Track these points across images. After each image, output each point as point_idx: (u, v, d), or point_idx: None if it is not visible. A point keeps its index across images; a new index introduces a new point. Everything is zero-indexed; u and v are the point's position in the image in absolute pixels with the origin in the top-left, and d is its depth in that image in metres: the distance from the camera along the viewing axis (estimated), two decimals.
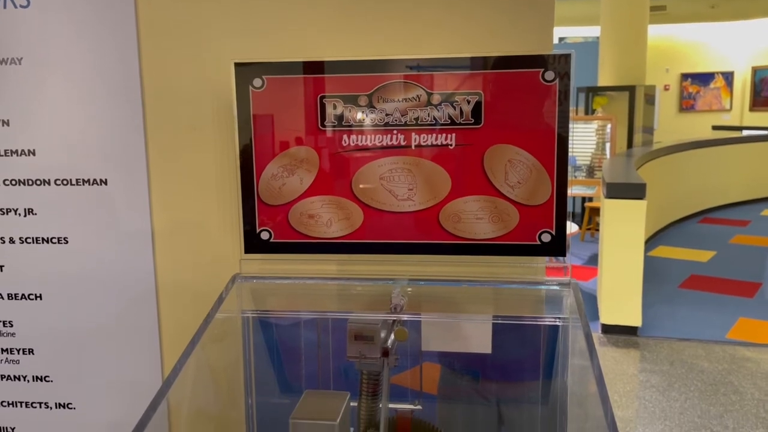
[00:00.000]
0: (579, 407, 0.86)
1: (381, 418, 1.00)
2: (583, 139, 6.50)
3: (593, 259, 5.21)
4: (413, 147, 0.98)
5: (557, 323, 0.97)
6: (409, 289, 1.03)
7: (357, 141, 0.99)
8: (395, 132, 0.97)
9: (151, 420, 0.74)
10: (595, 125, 6.74)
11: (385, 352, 1.00)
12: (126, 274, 1.19)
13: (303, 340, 1.09)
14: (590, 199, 6.48)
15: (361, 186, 1.00)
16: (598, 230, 5.73)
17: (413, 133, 0.97)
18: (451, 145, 0.97)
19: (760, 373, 3.83)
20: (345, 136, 0.99)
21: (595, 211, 6.21)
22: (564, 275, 0.99)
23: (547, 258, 1.00)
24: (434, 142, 0.97)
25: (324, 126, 0.99)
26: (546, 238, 0.97)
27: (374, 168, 0.99)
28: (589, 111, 7.18)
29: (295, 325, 1.10)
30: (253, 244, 1.04)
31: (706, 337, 4.29)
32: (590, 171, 6.59)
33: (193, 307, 1.01)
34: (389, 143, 0.98)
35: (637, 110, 7.55)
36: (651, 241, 6.22)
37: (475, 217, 0.98)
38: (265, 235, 1.03)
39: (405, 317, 1.00)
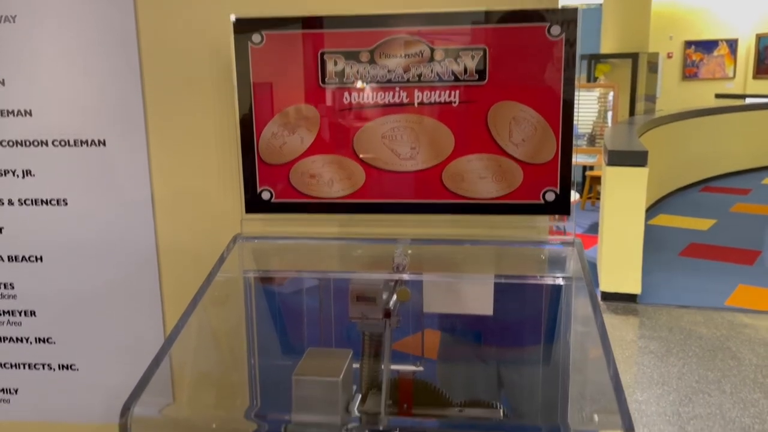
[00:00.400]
0: (582, 365, 0.86)
1: (383, 379, 1.01)
2: (585, 107, 6.44)
3: (594, 228, 5.20)
4: (416, 104, 0.96)
5: (560, 283, 0.97)
6: (410, 251, 1.02)
7: (358, 98, 0.97)
8: (397, 89, 0.96)
9: (154, 375, 0.74)
10: (597, 93, 6.68)
11: (387, 313, 1.00)
12: (126, 235, 1.18)
13: (305, 300, 1.09)
14: (591, 168, 6.45)
15: (362, 145, 0.99)
16: (598, 199, 5.71)
17: (416, 90, 0.95)
18: (454, 102, 0.95)
19: (758, 339, 3.85)
20: (346, 94, 0.97)
21: (596, 180, 6.19)
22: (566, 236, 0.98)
23: (549, 218, 0.99)
24: (437, 100, 0.95)
25: (325, 83, 0.97)
26: (550, 197, 0.96)
27: (376, 126, 0.98)
28: (592, 78, 7.11)
29: (296, 286, 1.10)
30: (254, 203, 1.03)
31: (705, 304, 4.31)
32: (591, 139, 6.55)
33: (194, 267, 1.01)
34: (391, 101, 0.96)
35: (640, 78, 7.47)
36: (651, 210, 6.21)
37: (478, 176, 0.97)
38: (266, 195, 1.02)
39: (407, 277, 1.00)
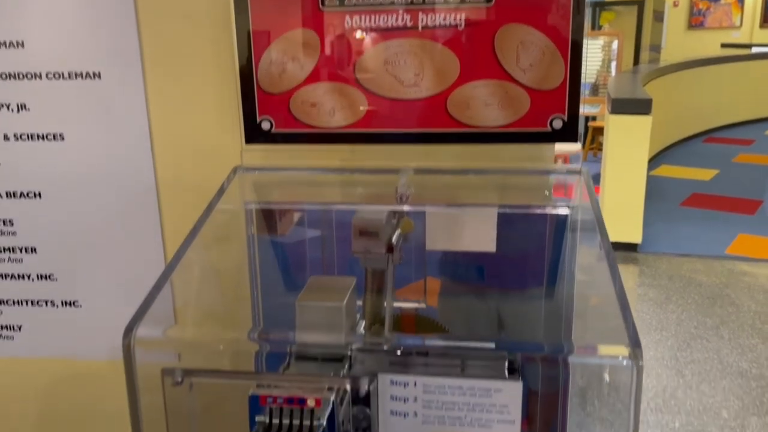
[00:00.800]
0: (587, 286, 0.85)
1: (386, 314, 1.00)
2: (589, 56, 6.34)
3: (595, 179, 5.17)
4: (420, 28, 0.93)
5: (566, 212, 0.95)
6: (413, 181, 1.00)
7: (360, 22, 0.94)
8: (401, 12, 0.92)
9: (155, 300, 0.73)
10: (601, 42, 6.55)
11: (390, 248, 0.99)
12: (124, 169, 1.17)
13: (307, 232, 1.08)
14: (594, 119, 6.39)
15: (365, 72, 0.96)
16: (601, 150, 5.67)
17: (420, 13, 0.92)
18: (460, 25, 0.92)
19: (758, 286, 3.88)
20: (347, 18, 0.94)
21: (599, 131, 6.13)
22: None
23: (555, 147, 0.97)
24: (442, 23, 0.92)
25: (325, 6, 0.94)
26: (557, 124, 0.94)
27: (379, 52, 0.95)
28: (596, 27, 6.97)
29: (298, 217, 1.09)
30: (253, 134, 1.00)
31: (705, 253, 4.33)
32: (594, 89, 6.47)
33: (194, 200, 0.99)
34: (394, 24, 0.93)
35: (645, 27, 7.33)
36: (654, 161, 6.18)
37: (484, 104, 0.94)
38: (266, 125, 1.00)
39: (411, 209, 0.99)
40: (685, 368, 3.09)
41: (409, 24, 0.93)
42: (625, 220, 4.37)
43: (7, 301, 1.28)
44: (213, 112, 1.08)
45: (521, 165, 0.98)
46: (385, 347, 0.69)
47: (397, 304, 1.11)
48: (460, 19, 0.92)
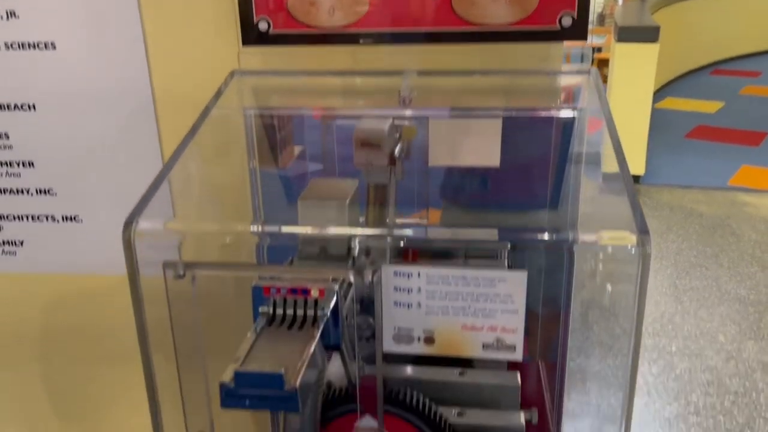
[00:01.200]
0: (593, 182, 0.84)
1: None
2: None
3: (599, 111, 5.10)
4: None
5: (573, 114, 0.93)
6: (417, 84, 0.97)
7: None
8: None
9: (153, 197, 0.72)
10: None
11: (392, 160, 0.97)
12: (119, 79, 1.14)
13: (307, 137, 1.06)
14: (599, 50, 6.25)
15: None
16: (606, 82, 5.57)
17: None
18: None
19: (759, 216, 3.88)
20: None
21: (604, 63, 6.01)
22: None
23: (564, 46, 0.94)
24: None
25: None
26: (567, 21, 0.90)
27: None
28: None
29: (299, 124, 1.06)
30: (250, 35, 0.97)
31: (707, 185, 4.32)
32: (601, 19, 6.31)
33: (191, 108, 0.96)
34: None
35: None
36: (659, 93, 6.09)
37: (491, 0, 0.91)
38: (263, 26, 0.97)
39: (413, 113, 0.96)
40: (683, 295, 3.13)
41: None
42: (628, 152, 4.31)
43: (7, 216, 1.28)
44: (208, 14, 1.04)
45: (529, 62, 0.95)
46: (389, 238, 0.68)
47: (399, 221, 1.10)
48: None
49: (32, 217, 1.27)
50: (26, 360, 1.37)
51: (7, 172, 1.24)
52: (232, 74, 0.98)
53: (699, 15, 6.71)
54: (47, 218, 1.27)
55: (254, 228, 0.73)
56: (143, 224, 0.69)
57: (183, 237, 0.68)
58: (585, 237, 0.61)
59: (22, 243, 1.30)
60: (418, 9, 0.93)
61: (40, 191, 1.25)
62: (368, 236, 0.68)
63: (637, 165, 4.26)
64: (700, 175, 4.41)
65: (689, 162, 4.65)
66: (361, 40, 0.95)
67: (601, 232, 0.61)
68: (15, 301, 1.34)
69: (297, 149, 1.07)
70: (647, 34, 4.01)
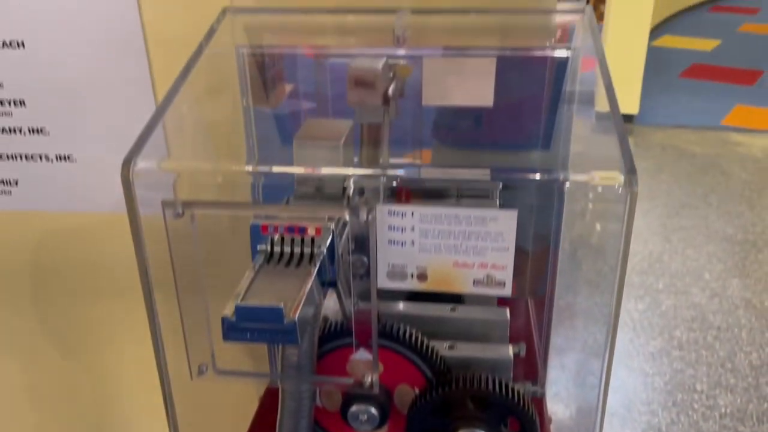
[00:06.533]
0: (584, 122, 0.85)
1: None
2: None
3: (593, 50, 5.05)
4: None
5: (567, 54, 0.93)
6: (409, 30, 0.97)
7: None
8: None
9: (149, 139, 0.72)
10: None
11: (386, 100, 0.97)
12: (109, 17, 1.12)
13: (301, 77, 1.06)
14: None
15: None
16: (602, 21, 5.48)
17: None
18: None
19: (750, 156, 3.91)
20: None
21: (601, 0, 5.89)
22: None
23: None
24: None
25: None
26: None
27: None
28: None
29: (292, 63, 1.06)
30: None
31: (700, 124, 4.32)
32: None
33: (183, 47, 0.95)
34: None
35: None
36: (656, 31, 6.00)
37: None
38: None
39: (407, 52, 0.96)
40: (672, 234, 3.18)
41: None
42: (622, 92, 4.30)
43: (0, 156, 1.28)
44: None
45: (523, 5, 0.94)
46: (383, 178, 0.69)
47: (393, 160, 1.11)
48: None
49: (26, 157, 1.27)
50: (24, 296, 1.40)
51: None
52: (224, 12, 0.97)
53: None
54: (41, 157, 1.27)
55: (249, 168, 0.74)
56: (141, 164, 0.69)
57: (179, 176, 0.69)
58: (575, 176, 0.63)
59: (16, 182, 1.30)
60: None
61: (33, 130, 1.25)
62: (362, 176, 0.69)
63: (631, 104, 4.25)
64: (693, 115, 4.41)
65: (683, 101, 4.64)
66: None
67: (590, 172, 0.63)
68: (10, 239, 1.36)
69: (290, 88, 1.07)
70: None
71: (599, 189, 0.64)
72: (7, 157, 1.27)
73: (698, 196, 3.42)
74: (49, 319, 1.43)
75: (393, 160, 1.07)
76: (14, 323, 1.42)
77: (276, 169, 0.70)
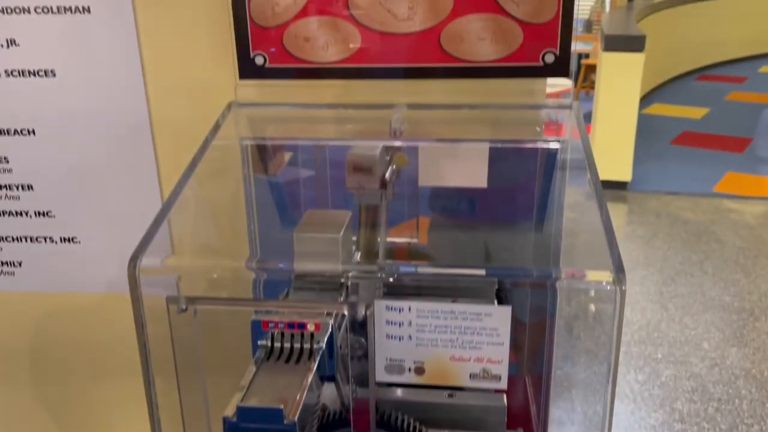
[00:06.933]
0: (574, 217, 0.88)
1: (380, 248, 1.03)
2: None
3: (587, 118, 5.18)
4: None
5: (556, 147, 0.97)
6: (407, 116, 1.01)
7: None
8: None
9: (154, 237, 0.75)
10: None
11: (384, 184, 1.01)
12: (118, 107, 1.17)
13: (302, 167, 1.10)
14: (587, 56, 6.33)
15: (358, 5, 0.96)
16: (593, 88, 5.64)
17: None
18: None
19: (743, 223, 3.95)
20: None
21: (591, 69, 6.09)
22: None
23: (547, 82, 0.98)
24: None
25: None
26: (549, 58, 0.94)
27: None
28: None
29: (294, 153, 1.10)
30: (247, 69, 1.01)
31: (693, 191, 4.39)
32: (588, 26, 6.39)
33: (188, 136, 1.00)
34: None
35: None
36: (646, 99, 6.17)
37: (477, 38, 0.95)
38: (259, 60, 1.00)
39: (404, 144, 1.00)
40: (669, 302, 3.18)
41: None
42: (615, 159, 4.41)
43: (6, 238, 1.30)
44: (206, 47, 1.07)
45: (513, 100, 0.99)
46: (380, 275, 0.72)
47: (390, 239, 1.14)
48: None
49: (31, 239, 1.30)
50: (25, 376, 1.40)
51: (6, 195, 1.27)
52: (229, 106, 1.01)
53: (684, 21, 6.80)
54: (45, 240, 1.30)
55: (251, 265, 0.76)
56: (146, 261, 0.72)
57: (183, 272, 0.71)
58: (567, 278, 0.65)
59: (20, 263, 1.32)
60: (409, 46, 0.97)
61: (39, 213, 1.28)
62: (360, 272, 0.72)
63: (623, 171, 4.33)
64: (685, 182, 4.48)
65: (675, 168, 4.72)
66: (353, 75, 0.99)
67: (581, 272, 0.65)
68: (12, 319, 1.37)
69: (292, 176, 1.11)
70: (633, 43, 4.07)
71: (590, 288, 0.67)
72: (12, 239, 1.30)
73: (693, 263, 3.45)
74: (48, 399, 1.42)
75: (390, 238, 1.10)
76: (13, 402, 1.42)
77: (276, 265, 0.72)
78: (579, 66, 6.35)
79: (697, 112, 5.95)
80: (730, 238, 3.73)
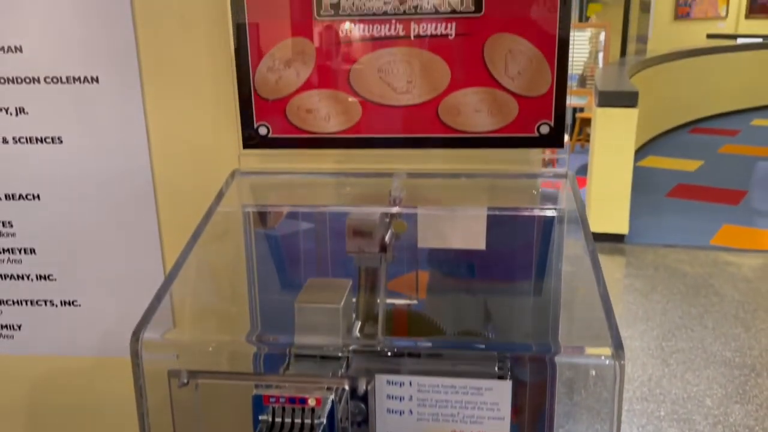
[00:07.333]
0: (572, 289, 0.89)
1: (379, 311, 1.04)
2: (576, 47, 6.38)
3: (583, 170, 5.24)
4: (412, 37, 0.96)
5: (552, 214, 0.99)
6: (406, 185, 1.03)
7: (354, 31, 0.97)
8: (393, 21, 0.95)
9: (156, 312, 0.76)
10: (588, 33, 6.59)
11: (383, 247, 1.02)
12: (122, 173, 1.19)
13: (303, 234, 1.11)
14: (581, 110, 6.44)
15: (358, 79, 0.99)
16: (588, 141, 5.72)
17: (412, 23, 0.95)
18: (450, 35, 0.95)
19: (741, 276, 3.96)
20: (342, 27, 0.97)
21: (586, 122, 6.19)
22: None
23: (542, 152, 1.01)
24: (433, 32, 0.95)
25: (320, 16, 0.97)
26: (545, 129, 0.97)
27: (372, 60, 0.98)
28: (583, 18, 7.01)
29: (295, 220, 1.12)
30: (251, 139, 1.03)
31: (690, 244, 4.40)
32: (582, 81, 6.51)
33: (191, 202, 1.02)
34: (387, 34, 0.96)
35: (632, 18, 7.37)
36: (641, 151, 6.25)
37: (474, 110, 0.98)
38: (263, 131, 1.03)
39: (403, 211, 1.02)
40: (670, 357, 3.16)
41: (401, 33, 0.96)
42: (612, 212, 4.44)
43: (6, 302, 1.31)
44: (210, 117, 1.10)
45: (510, 168, 1.01)
46: (379, 348, 0.72)
47: (389, 301, 1.15)
48: (451, 29, 0.95)
49: (31, 302, 1.30)
50: None
51: (9, 259, 1.28)
52: (233, 175, 1.03)
53: (677, 75, 6.95)
54: (46, 303, 1.30)
55: (251, 338, 0.77)
56: (147, 335, 0.72)
57: (183, 347, 0.72)
58: (565, 353, 0.66)
59: (19, 327, 1.32)
60: (408, 117, 1.00)
61: (41, 277, 1.29)
62: (361, 346, 0.72)
63: (620, 224, 4.35)
64: (682, 234, 4.50)
65: (672, 221, 4.75)
66: (354, 145, 1.01)
67: (581, 347, 0.66)
68: (11, 382, 1.36)
69: (293, 243, 1.12)
70: (626, 99, 4.16)
71: (589, 363, 0.67)
72: (13, 302, 1.30)
73: (693, 317, 3.44)
74: None
75: (391, 281, 1.10)
76: None
77: (276, 339, 0.73)
78: (574, 119, 6.45)
79: (691, 165, 6.02)
80: (728, 291, 3.73)
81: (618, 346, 0.65)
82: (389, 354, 0.72)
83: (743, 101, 8.10)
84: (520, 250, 1.08)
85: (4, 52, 1.16)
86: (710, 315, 3.53)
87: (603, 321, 0.70)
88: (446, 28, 0.95)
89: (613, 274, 4.16)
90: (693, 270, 4.04)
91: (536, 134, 0.98)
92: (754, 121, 7.82)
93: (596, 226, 4.35)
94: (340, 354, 0.75)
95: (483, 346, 0.68)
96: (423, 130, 1.00)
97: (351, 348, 0.73)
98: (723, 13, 9.96)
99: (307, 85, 1.00)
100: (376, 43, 0.97)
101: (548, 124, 0.97)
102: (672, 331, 3.37)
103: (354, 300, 0.99)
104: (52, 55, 1.16)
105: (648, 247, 4.39)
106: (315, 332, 0.80)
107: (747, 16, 10.00)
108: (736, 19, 10.03)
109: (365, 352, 0.72)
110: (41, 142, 1.21)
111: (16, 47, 1.16)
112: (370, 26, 0.96)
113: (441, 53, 0.96)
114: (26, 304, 1.31)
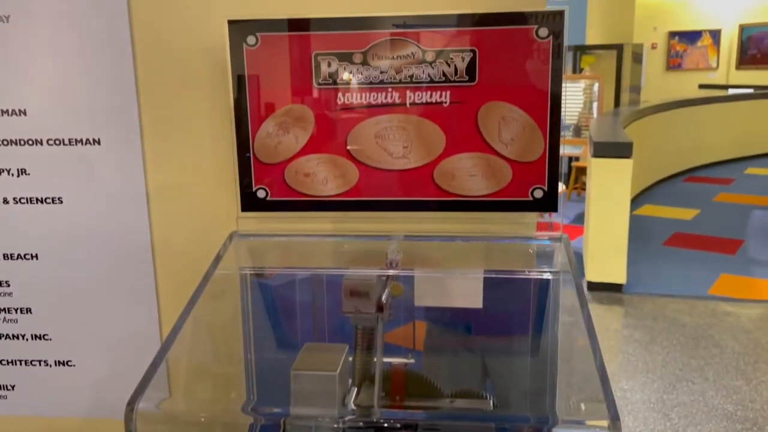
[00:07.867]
0: (569, 356, 0.89)
1: (376, 372, 1.03)
2: (571, 98, 6.50)
3: (579, 218, 5.27)
4: (408, 105, 0.98)
5: (548, 277, 1.00)
6: (403, 247, 1.04)
7: (352, 99, 0.99)
8: (390, 90, 0.98)
9: (152, 380, 0.76)
10: (582, 84, 6.73)
11: (380, 308, 1.03)
12: (121, 233, 1.20)
13: (300, 295, 1.12)
14: (577, 159, 6.51)
15: (356, 144, 1.01)
16: (584, 189, 5.77)
17: (408, 91, 0.98)
18: (445, 102, 0.98)
19: (740, 327, 3.93)
20: (340, 94, 0.99)
21: (582, 171, 6.25)
22: (553, 231, 1.01)
23: (537, 215, 1.02)
24: (429, 100, 0.98)
25: (319, 84, 0.99)
26: (538, 194, 0.99)
27: (369, 126, 1.00)
28: (577, 70, 7.15)
29: (292, 282, 1.12)
30: (249, 202, 1.05)
31: (688, 293, 4.38)
32: (577, 130, 6.61)
33: (189, 264, 1.03)
34: (384, 101, 0.98)
35: (625, 69, 7.53)
36: (637, 200, 6.29)
37: (468, 175, 1.00)
38: (261, 194, 1.04)
39: (400, 273, 1.03)
40: (671, 411, 3.11)
41: (397, 101, 0.98)
42: (609, 261, 4.44)
43: (1, 361, 1.30)
44: (210, 181, 1.12)
45: (505, 228, 1.02)
46: (375, 420, 0.72)
47: (386, 359, 1.14)
48: (445, 97, 0.97)
49: (26, 362, 1.29)
50: None
51: (5, 318, 1.28)
52: (231, 237, 1.04)
53: (670, 125, 7.06)
54: (41, 363, 1.29)
55: (247, 409, 0.76)
56: (142, 405, 0.72)
57: (178, 419, 0.71)
58: (563, 425, 0.66)
59: (13, 387, 1.31)
60: (404, 180, 1.02)
61: (36, 336, 1.28)
62: (357, 418, 0.72)
63: (618, 274, 4.35)
64: (681, 284, 4.49)
65: (670, 270, 4.75)
66: (351, 208, 1.03)
67: (578, 421, 0.66)
68: None
69: (290, 304, 1.12)
70: (621, 150, 4.21)
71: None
72: (7, 362, 1.30)
73: (693, 369, 3.40)
74: None
75: (388, 332, 1.09)
76: None
77: (272, 410, 0.73)
78: (570, 168, 6.52)
79: (687, 213, 6.05)
80: (728, 342, 3.70)
81: (615, 418, 0.65)
82: (385, 425, 0.71)
83: (736, 150, 8.20)
84: (515, 311, 1.09)
85: (8, 114, 1.19)
86: (711, 367, 3.50)
87: (599, 388, 0.70)
88: (441, 96, 0.97)
89: (613, 325, 4.13)
90: (692, 320, 4.02)
91: (530, 198, 0.99)
92: (747, 169, 7.90)
93: (594, 275, 4.35)
94: (335, 426, 0.74)
95: (481, 418, 0.67)
96: (419, 193, 1.02)
97: (347, 419, 0.73)
98: (714, 64, 10.18)
99: (306, 150, 1.02)
100: (373, 109, 0.99)
101: (542, 189, 0.99)
102: (673, 384, 3.33)
103: (351, 359, 0.99)
104: (56, 118, 1.18)
105: (646, 297, 4.37)
106: (311, 401, 0.79)
107: (737, 67, 10.22)
108: (726, 70, 10.25)
109: (361, 427, 0.71)
110: (42, 202, 1.22)
111: (20, 110, 1.19)
112: (368, 94, 0.99)
113: (436, 120, 0.99)
114: (20, 363, 1.30)
